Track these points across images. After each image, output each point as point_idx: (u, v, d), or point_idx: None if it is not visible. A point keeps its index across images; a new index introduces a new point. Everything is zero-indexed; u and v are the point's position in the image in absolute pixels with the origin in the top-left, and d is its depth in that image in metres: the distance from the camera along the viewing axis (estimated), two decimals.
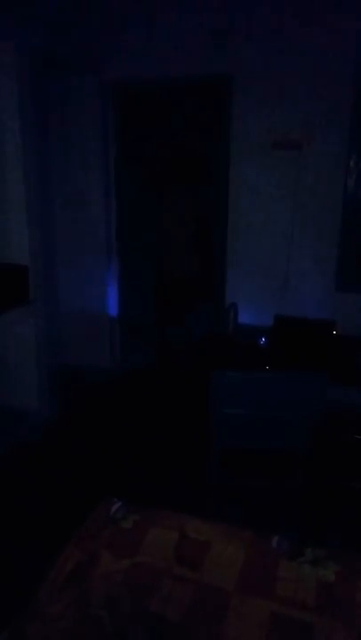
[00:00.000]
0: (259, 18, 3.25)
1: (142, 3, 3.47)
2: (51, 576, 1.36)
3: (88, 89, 3.74)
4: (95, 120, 3.80)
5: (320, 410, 2.03)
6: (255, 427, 2.13)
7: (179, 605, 1.27)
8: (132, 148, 3.92)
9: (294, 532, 1.67)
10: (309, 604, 1.27)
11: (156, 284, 4.16)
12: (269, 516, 2.27)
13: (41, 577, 1.36)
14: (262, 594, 1.30)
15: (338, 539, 2.11)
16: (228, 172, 3.58)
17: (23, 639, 1.19)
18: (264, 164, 3.46)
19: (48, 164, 3.90)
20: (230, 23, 3.31)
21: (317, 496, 2.36)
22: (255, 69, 3.33)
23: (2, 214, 3.06)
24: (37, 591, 1.32)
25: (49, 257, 3.81)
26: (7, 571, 2.01)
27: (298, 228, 3.48)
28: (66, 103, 3.82)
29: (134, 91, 3.81)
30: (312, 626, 1.22)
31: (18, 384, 3.34)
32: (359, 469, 2.53)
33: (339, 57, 3.15)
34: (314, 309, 3.42)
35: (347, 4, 3.06)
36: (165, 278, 4.42)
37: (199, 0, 3.34)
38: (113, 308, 4.22)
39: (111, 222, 4.06)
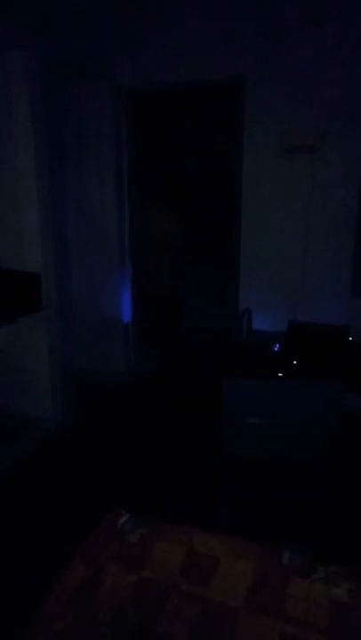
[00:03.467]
0: (272, 20, 3.22)
1: (155, 7, 3.46)
2: (56, 591, 1.34)
3: (102, 95, 3.75)
4: (109, 126, 3.80)
5: (335, 419, 1.98)
6: (268, 436, 2.09)
7: (185, 623, 1.24)
8: (146, 154, 3.92)
9: (307, 546, 1.62)
10: (321, 626, 1.23)
11: (168, 290, 4.16)
12: (281, 530, 2.22)
13: (46, 591, 1.34)
14: (272, 613, 1.26)
15: (352, 555, 2.04)
16: (241, 175, 3.54)
17: None
18: (278, 168, 3.42)
19: (61, 171, 3.91)
20: (244, 26, 3.28)
21: (332, 509, 2.30)
22: (269, 72, 3.30)
23: (15, 222, 3.07)
24: (42, 606, 1.30)
25: (63, 262, 3.82)
26: (12, 584, 1.98)
27: (313, 233, 3.42)
28: (79, 110, 3.82)
29: (148, 96, 3.80)
30: None
31: (31, 390, 3.34)
32: None
33: (353, 57, 3.10)
34: (329, 315, 3.36)
35: None
36: (179, 283, 4.42)
37: (212, 4, 3.33)
38: (127, 313, 4.22)
39: (124, 227, 4.06)
